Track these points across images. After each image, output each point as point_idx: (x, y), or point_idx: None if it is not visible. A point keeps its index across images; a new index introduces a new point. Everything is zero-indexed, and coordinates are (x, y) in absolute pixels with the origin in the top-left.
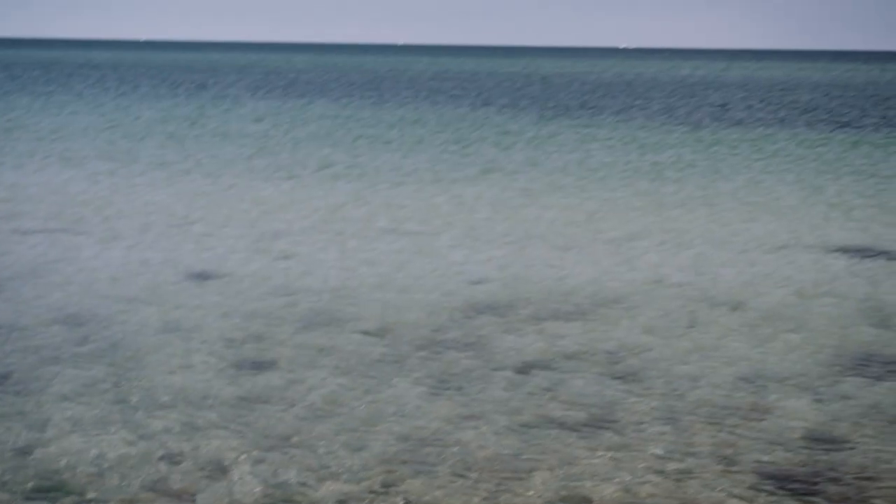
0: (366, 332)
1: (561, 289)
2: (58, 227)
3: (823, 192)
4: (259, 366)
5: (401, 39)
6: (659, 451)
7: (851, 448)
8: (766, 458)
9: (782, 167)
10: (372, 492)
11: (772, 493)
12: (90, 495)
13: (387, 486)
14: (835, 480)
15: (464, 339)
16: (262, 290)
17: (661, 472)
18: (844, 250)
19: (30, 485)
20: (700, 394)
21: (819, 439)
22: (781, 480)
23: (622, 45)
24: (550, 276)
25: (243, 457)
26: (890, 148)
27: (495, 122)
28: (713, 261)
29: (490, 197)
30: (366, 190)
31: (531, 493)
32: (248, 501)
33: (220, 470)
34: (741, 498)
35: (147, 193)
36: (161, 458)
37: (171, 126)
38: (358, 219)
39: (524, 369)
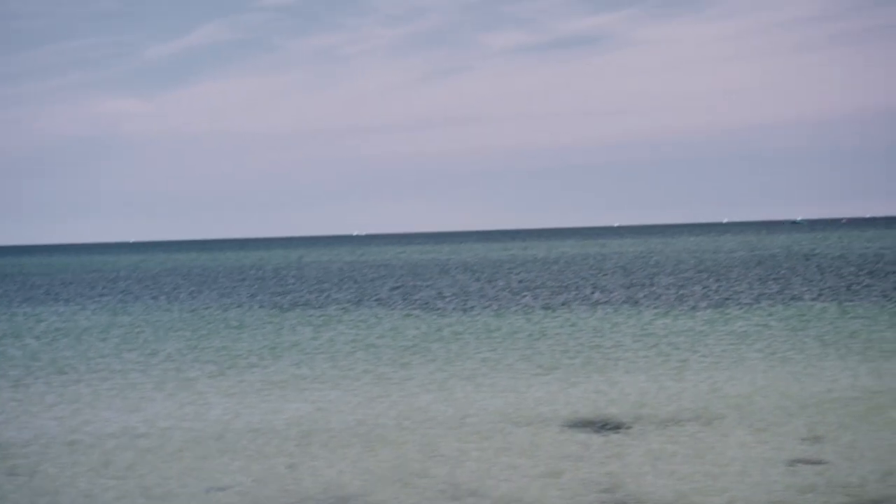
0: None
1: (303, 493)
2: None
3: (557, 368)
4: None
5: (132, 237)
6: None
7: None
8: None
9: (515, 345)
10: None
11: None
12: None
13: None
14: None
15: None
16: None
17: None
18: (575, 424)
19: None
20: None
21: None
22: None
23: (355, 232)
24: (295, 477)
25: None
26: (614, 319)
27: (231, 315)
28: (448, 444)
29: (229, 391)
30: (102, 396)
31: None
32: None
33: None
34: None
35: None
36: None
37: None
38: (90, 425)
39: None
